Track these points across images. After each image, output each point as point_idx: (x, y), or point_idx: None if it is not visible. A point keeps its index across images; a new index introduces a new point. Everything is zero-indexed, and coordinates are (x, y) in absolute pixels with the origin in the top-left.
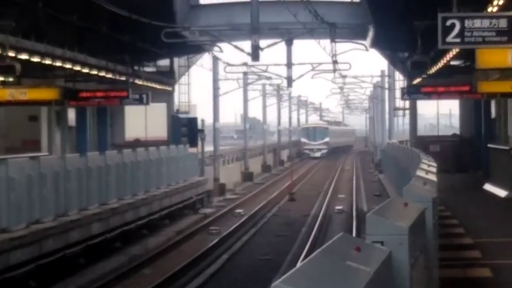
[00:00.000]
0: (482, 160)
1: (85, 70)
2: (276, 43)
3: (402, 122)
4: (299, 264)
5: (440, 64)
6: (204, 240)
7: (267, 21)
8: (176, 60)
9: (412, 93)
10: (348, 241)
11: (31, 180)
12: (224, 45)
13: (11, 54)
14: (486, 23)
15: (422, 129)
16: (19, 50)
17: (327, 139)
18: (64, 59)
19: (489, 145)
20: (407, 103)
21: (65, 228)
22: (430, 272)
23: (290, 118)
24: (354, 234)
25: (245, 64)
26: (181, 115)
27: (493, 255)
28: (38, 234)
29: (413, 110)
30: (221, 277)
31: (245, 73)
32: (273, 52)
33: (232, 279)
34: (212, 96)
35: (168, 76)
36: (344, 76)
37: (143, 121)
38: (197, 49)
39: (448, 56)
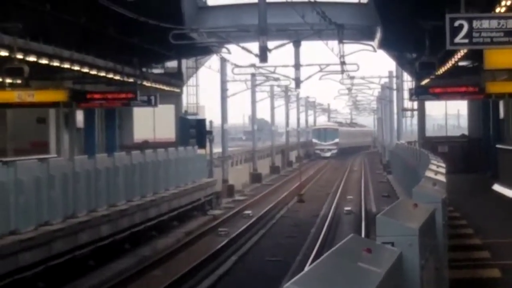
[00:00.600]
0: (491, 161)
1: (93, 72)
2: (284, 44)
3: (410, 123)
4: (309, 265)
5: (448, 64)
6: (213, 242)
7: (275, 23)
8: (184, 62)
9: (420, 93)
10: (358, 243)
11: (40, 182)
12: (232, 47)
13: (19, 56)
14: (494, 23)
15: (431, 130)
16: (27, 52)
17: (337, 140)
18: (72, 61)
19: (497, 146)
20: (415, 104)
21: (74, 230)
22: (440, 273)
23: (298, 119)
24: (363, 235)
25: (253, 65)
26: (189, 117)
27: (502, 255)
28: (47, 236)
29: (421, 110)
30: (230, 278)
31: (253, 75)
32: (281, 53)
33: (241, 280)
34: (220, 98)
35: (176, 78)
36: (352, 77)
37: (151, 123)
38: (205, 50)
39: (456, 56)
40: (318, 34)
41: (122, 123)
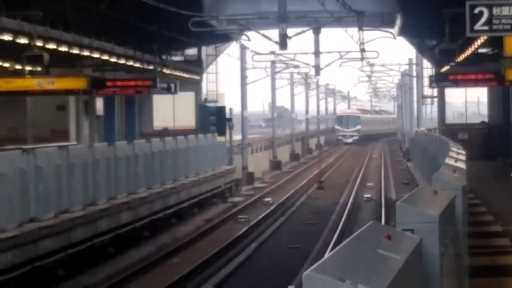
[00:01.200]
0: (511, 148)
1: (113, 60)
2: (303, 31)
3: (430, 110)
4: (329, 252)
5: (468, 51)
6: (232, 229)
7: (294, 10)
8: (203, 49)
9: (440, 81)
10: (378, 230)
11: (60, 170)
12: (251, 34)
13: (39, 43)
14: None
15: (451, 117)
16: (46, 39)
17: (358, 127)
18: (91, 49)
19: None
20: (435, 91)
21: (93, 217)
22: (460, 260)
23: (318, 107)
24: (383, 222)
25: (272, 52)
26: (209, 104)
27: None
28: (67, 224)
29: (441, 98)
30: (250, 265)
31: (273, 62)
32: (301, 40)
33: (261, 267)
34: (240, 85)
35: (196, 65)
36: (372, 64)
37: (171, 110)
38: (225, 38)
39: (476, 43)
40: (338, 21)
41: (141, 111)
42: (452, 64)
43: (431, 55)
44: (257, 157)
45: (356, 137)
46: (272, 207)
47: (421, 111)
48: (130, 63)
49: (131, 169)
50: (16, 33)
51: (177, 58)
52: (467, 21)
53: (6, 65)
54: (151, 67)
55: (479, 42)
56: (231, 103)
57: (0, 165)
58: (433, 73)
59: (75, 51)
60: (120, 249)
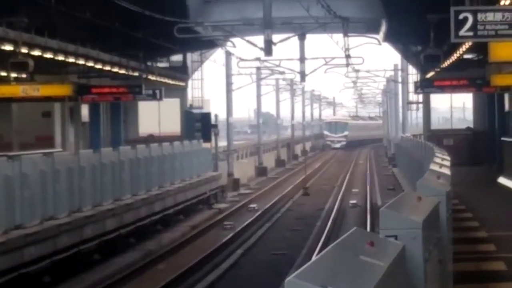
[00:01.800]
0: (496, 154)
1: (98, 66)
2: (289, 37)
3: (416, 116)
4: (313, 259)
5: (453, 57)
6: (218, 235)
7: (279, 16)
8: (189, 56)
9: (425, 86)
10: (361, 236)
11: (45, 176)
12: (237, 40)
13: (24, 50)
14: (499, 16)
15: (436, 123)
16: (32, 46)
17: (346, 133)
18: (77, 55)
19: (502, 139)
20: (420, 97)
21: (79, 224)
22: (444, 266)
23: (303, 113)
24: (368, 228)
25: (258, 59)
26: (194, 110)
27: (507, 248)
28: (52, 230)
29: (427, 103)
30: (235, 272)
31: (258, 68)
32: (286, 46)
33: (247, 274)
34: (226, 91)
35: (181, 72)
36: (357, 70)
37: (156, 117)
38: (210, 44)
39: (461, 49)
40: (323, 27)
41: (127, 117)
42: (437, 70)
43: (416, 61)
44: (242, 163)
45: (343, 143)
46: (258, 214)
47: (407, 117)
48: (116, 69)
49: (117, 176)
50: (1, 39)
51: (162, 64)
52: (452, 27)
53: None
54: (136, 74)
55: (464, 48)
56: (216, 109)
57: None
58: (418, 79)
59: (61, 58)
60: (105, 255)
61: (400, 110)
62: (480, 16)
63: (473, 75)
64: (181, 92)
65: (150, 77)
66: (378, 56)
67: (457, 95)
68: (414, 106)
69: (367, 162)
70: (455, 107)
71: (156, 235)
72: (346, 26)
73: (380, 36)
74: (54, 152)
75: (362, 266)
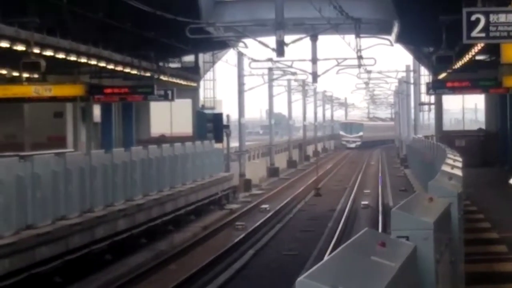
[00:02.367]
0: (508, 155)
1: (110, 66)
2: (301, 38)
3: (428, 117)
4: (324, 259)
5: (465, 58)
6: (230, 236)
7: (291, 17)
8: (201, 56)
9: (437, 87)
10: (373, 236)
11: (57, 177)
12: (249, 41)
13: (36, 50)
14: (511, 17)
15: (448, 124)
16: (44, 46)
17: (361, 133)
18: (89, 56)
19: None
20: (432, 98)
21: (91, 224)
22: (456, 267)
23: (315, 114)
24: (380, 229)
25: (270, 59)
26: (206, 111)
27: None
28: (64, 231)
29: (439, 104)
30: (247, 272)
31: (270, 69)
32: (298, 47)
33: (258, 274)
34: (237, 92)
35: (193, 72)
36: (369, 71)
37: (168, 117)
38: (222, 45)
39: (473, 50)
40: (335, 28)
41: (139, 118)
42: (449, 71)
43: (428, 62)
44: (254, 164)
45: (358, 143)
46: (269, 214)
47: (418, 118)
48: (128, 70)
49: (128, 176)
50: (13, 40)
51: (174, 65)
52: (464, 28)
53: (4, 72)
54: (148, 74)
55: (476, 49)
56: (228, 110)
57: None
58: (430, 80)
59: (73, 58)
60: (117, 256)
61: (412, 111)
62: (492, 18)
63: (485, 76)
64: (193, 93)
65: (162, 77)
66: (390, 57)
67: (469, 96)
68: (426, 107)
69: (379, 163)
70: (467, 108)
71: (167, 236)
72: (358, 27)
73: (392, 37)
74: (66, 152)
75: (374, 267)
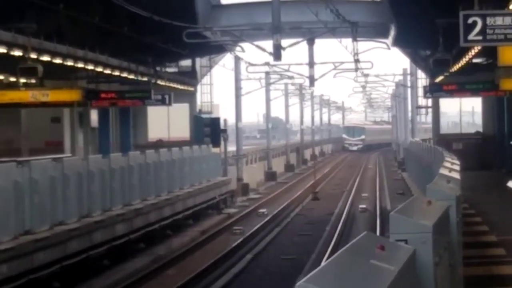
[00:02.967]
0: (506, 158)
1: (107, 71)
2: (297, 42)
3: (425, 120)
4: (323, 263)
5: (463, 61)
6: (228, 240)
7: (288, 21)
8: (198, 60)
9: (434, 91)
10: (372, 240)
11: (54, 182)
12: (246, 45)
13: (33, 56)
14: (508, 20)
15: (445, 127)
16: (41, 51)
17: (363, 137)
18: (86, 61)
19: None
20: (429, 101)
21: (89, 229)
22: (455, 270)
23: (312, 117)
24: (378, 232)
25: (267, 63)
26: (203, 115)
27: None
28: (62, 236)
29: (436, 108)
30: (245, 277)
31: (267, 73)
32: (295, 51)
33: (257, 279)
34: (235, 96)
35: (190, 77)
36: (366, 75)
37: (165, 122)
38: (219, 49)
39: (470, 53)
40: (332, 32)
41: (136, 122)
42: (446, 74)
43: (425, 65)
44: (252, 168)
45: (360, 146)
46: (267, 218)
47: (416, 121)
48: (125, 74)
49: (126, 181)
50: (10, 45)
51: (171, 69)
52: (461, 31)
53: (1, 77)
54: (145, 79)
55: (473, 52)
56: (225, 114)
57: None
58: (428, 83)
59: (70, 63)
60: (115, 261)
61: (410, 114)
62: (489, 20)
63: (482, 79)
64: (190, 97)
65: (159, 82)
66: (387, 61)
67: (466, 99)
68: (423, 110)
69: (377, 166)
70: (464, 111)
71: (165, 240)
72: (355, 30)
73: (389, 40)
74: (64, 158)
75: (373, 270)
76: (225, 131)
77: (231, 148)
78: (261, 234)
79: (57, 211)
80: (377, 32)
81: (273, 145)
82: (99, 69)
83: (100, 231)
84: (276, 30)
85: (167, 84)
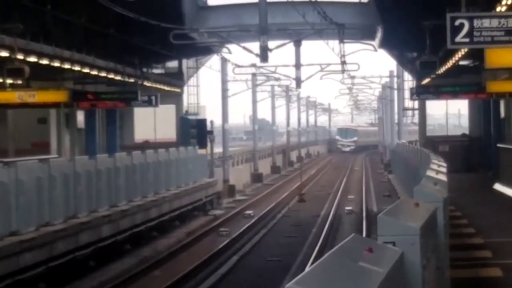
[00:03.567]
0: (492, 160)
1: (94, 72)
2: (284, 44)
3: (412, 122)
4: (310, 265)
5: (449, 64)
6: (214, 242)
7: (275, 22)
8: (184, 62)
9: (421, 93)
10: (360, 242)
11: (41, 183)
12: (232, 47)
13: (20, 56)
14: (495, 22)
15: (432, 129)
16: (27, 52)
17: (355, 138)
18: (72, 61)
19: (498, 145)
20: (416, 103)
21: (75, 230)
22: (442, 272)
23: (299, 119)
24: (364, 234)
25: (253, 65)
26: (190, 117)
27: (503, 254)
28: (48, 237)
29: (422, 110)
30: (231, 278)
31: (253, 74)
32: (282, 53)
33: (243, 280)
34: (221, 98)
35: (177, 78)
36: (352, 77)
37: (152, 123)
38: (206, 50)
39: (457, 56)
40: (318, 33)
41: (122, 123)
42: (433, 76)
43: (412, 68)
44: (238, 169)
45: (353, 147)
46: (254, 220)
47: (402, 123)
48: (111, 75)
49: (112, 182)
50: None
51: (158, 70)
52: (448, 33)
53: None
54: (132, 80)
55: (460, 54)
56: (212, 115)
57: None
58: (414, 85)
59: (56, 64)
60: (101, 262)
61: (396, 116)
62: (476, 23)
63: (469, 81)
64: (176, 98)
65: (145, 83)
66: (374, 63)
67: (453, 101)
68: (409, 112)
69: (363, 168)
70: (451, 114)
71: (151, 242)
72: (342, 32)
73: (376, 42)
74: (50, 159)
75: (361, 273)
76: (211, 132)
77: (218, 149)
78: (248, 236)
79: (43, 212)
80: (364, 34)
81: (259, 147)
82: (86, 70)
83: (86, 232)
84: (263, 32)
85: (154, 85)
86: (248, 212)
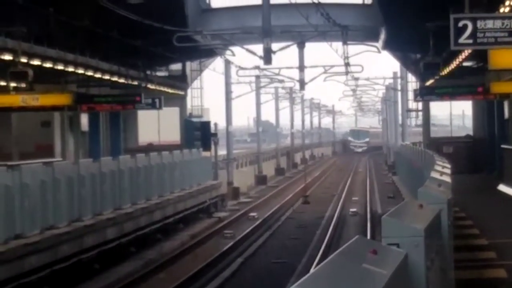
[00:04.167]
0: (496, 161)
1: (98, 75)
2: (288, 46)
3: (416, 123)
4: (315, 267)
5: (453, 65)
6: (218, 244)
7: (279, 24)
8: (188, 64)
9: (424, 94)
10: (364, 244)
11: (45, 186)
12: (236, 49)
13: (23, 60)
14: (498, 23)
15: (435, 130)
16: (31, 56)
17: (367, 139)
18: (76, 64)
19: (502, 146)
20: (420, 105)
21: (79, 233)
22: (446, 273)
23: (303, 121)
24: (368, 236)
25: (257, 67)
26: (194, 119)
27: (508, 255)
28: (53, 240)
29: (426, 111)
30: (235, 281)
31: (257, 77)
32: (285, 55)
33: (247, 282)
34: (225, 100)
35: (181, 80)
36: (356, 78)
37: (156, 126)
38: (209, 53)
39: (460, 57)
40: (322, 35)
41: (126, 126)
42: (437, 77)
43: (416, 69)
44: (242, 172)
45: (365, 147)
46: (258, 222)
47: (406, 125)
48: (115, 78)
49: (117, 185)
50: (0, 49)
51: (161, 73)
52: (452, 35)
53: None
54: (135, 83)
55: (463, 55)
56: (216, 118)
57: None
58: (418, 87)
59: (60, 67)
60: (106, 265)
61: (400, 118)
62: (479, 24)
63: (472, 82)
64: (180, 101)
65: (149, 86)
66: (378, 64)
67: (457, 102)
68: (413, 113)
69: (367, 170)
70: (455, 115)
71: (156, 244)
72: (346, 34)
73: (380, 44)
74: (54, 162)
75: (365, 275)
76: (215, 135)
77: (222, 152)
78: (252, 238)
79: (48, 215)
80: (367, 35)
81: (263, 149)
82: (89, 73)
83: (91, 235)
84: (266, 34)
85: (157, 88)
86: (252, 214)
